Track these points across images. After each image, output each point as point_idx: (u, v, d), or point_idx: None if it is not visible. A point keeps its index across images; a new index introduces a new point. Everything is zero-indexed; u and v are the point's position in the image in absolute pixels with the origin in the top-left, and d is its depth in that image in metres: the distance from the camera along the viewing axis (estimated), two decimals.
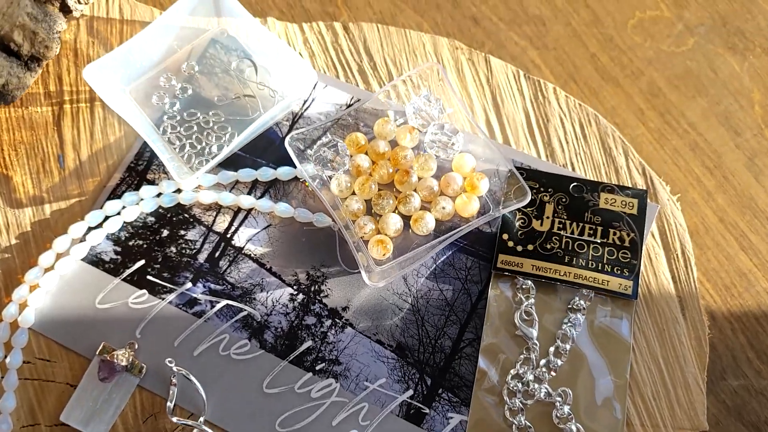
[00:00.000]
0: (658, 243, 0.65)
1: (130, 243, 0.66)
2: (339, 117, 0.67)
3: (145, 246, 0.66)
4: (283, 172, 0.67)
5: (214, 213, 0.67)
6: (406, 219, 0.64)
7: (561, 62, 0.81)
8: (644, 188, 0.66)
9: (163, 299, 0.64)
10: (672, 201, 0.66)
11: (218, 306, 0.64)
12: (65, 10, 0.69)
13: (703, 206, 0.77)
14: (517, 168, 0.67)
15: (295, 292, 0.64)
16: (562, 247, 0.64)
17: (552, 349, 0.61)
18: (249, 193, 0.67)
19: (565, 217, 0.65)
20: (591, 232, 0.64)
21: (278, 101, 0.69)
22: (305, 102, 0.71)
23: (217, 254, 0.66)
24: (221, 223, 0.67)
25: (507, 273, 0.63)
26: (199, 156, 0.68)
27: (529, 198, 0.62)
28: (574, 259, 0.63)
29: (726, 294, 0.76)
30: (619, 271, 0.63)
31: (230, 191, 0.68)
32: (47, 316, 0.63)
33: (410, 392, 0.61)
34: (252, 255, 0.66)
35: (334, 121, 0.67)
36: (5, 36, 0.65)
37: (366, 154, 0.67)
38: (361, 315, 0.63)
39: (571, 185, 0.66)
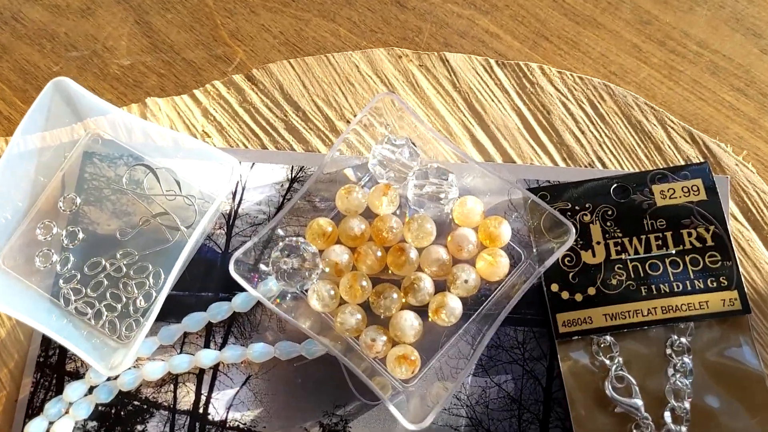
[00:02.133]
0: (745, 225, 0.49)
1: None
2: (286, 209, 0.49)
3: None
4: (241, 302, 0.50)
5: (172, 386, 0.50)
6: (421, 310, 0.47)
7: (521, 20, 0.64)
8: (701, 160, 0.50)
9: None
10: (741, 164, 0.50)
11: None
12: None
13: (750, 138, 0.61)
14: (535, 189, 0.50)
15: None
16: (632, 276, 0.48)
17: (668, 414, 0.46)
18: (207, 345, 0.50)
19: (621, 235, 0.49)
20: (659, 243, 0.48)
21: (199, 209, 0.51)
22: (235, 195, 0.53)
23: None
24: (185, 398, 0.49)
25: (575, 338, 0.47)
26: (125, 318, 0.49)
27: (572, 235, 0.45)
28: (653, 287, 0.47)
29: None
30: (714, 284, 0.47)
31: (181, 352, 0.50)
32: None
33: None
34: (240, 425, 0.48)
35: (279, 219, 0.49)
36: None
37: (339, 242, 0.49)
38: None
39: (612, 188, 0.49)
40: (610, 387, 0.46)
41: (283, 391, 0.49)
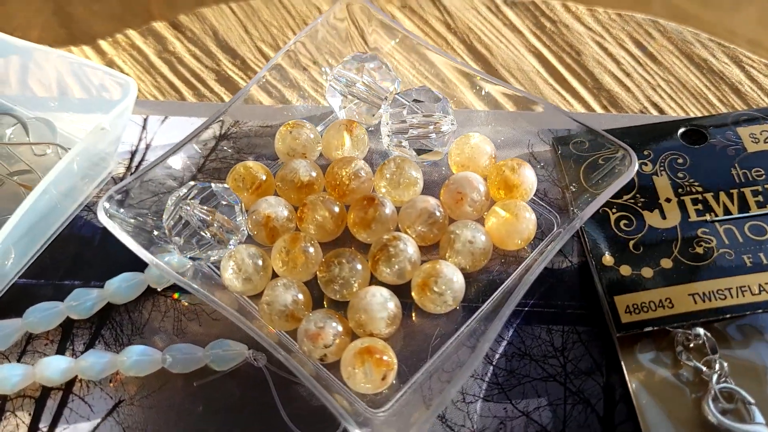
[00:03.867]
0: None
1: None
2: (195, 133, 0.33)
3: None
4: (121, 288, 0.32)
5: None
6: (399, 291, 0.30)
7: None
8: None
9: None
10: None
11: None
12: None
13: None
14: (562, 138, 0.35)
15: None
16: (726, 243, 0.31)
17: None
18: (61, 352, 0.31)
19: (701, 190, 0.32)
20: (760, 198, 0.32)
21: (83, 174, 0.35)
22: (134, 156, 0.37)
23: None
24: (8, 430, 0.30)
25: (648, 329, 0.29)
26: None
27: (635, 163, 0.29)
28: (762, 256, 0.30)
29: None
30: None
31: (20, 360, 0.31)
32: None
33: None
34: None
35: (187, 140, 0.33)
36: None
37: (275, 195, 0.33)
38: None
39: (679, 132, 0.34)
40: (713, 410, 0.28)
41: (172, 425, 0.30)
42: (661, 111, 0.36)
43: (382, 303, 0.29)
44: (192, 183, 0.31)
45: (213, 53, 0.40)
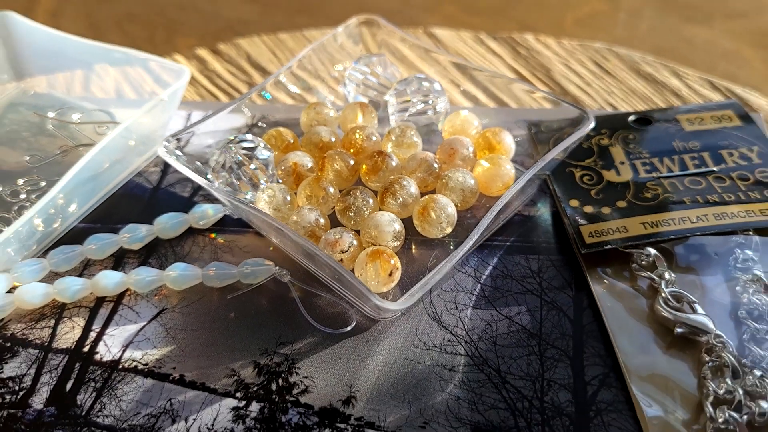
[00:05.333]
0: None
1: None
2: (238, 100, 0.40)
3: None
4: (168, 223, 0.38)
5: (53, 321, 0.35)
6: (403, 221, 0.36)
7: None
8: (731, 100, 0.44)
9: None
10: None
11: None
12: None
13: None
14: (535, 123, 0.42)
15: (242, 403, 0.32)
16: (669, 190, 0.38)
17: (747, 336, 0.32)
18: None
19: (648, 155, 0.40)
20: (697, 162, 0.39)
21: (137, 151, 0.42)
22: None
23: (68, 385, 0.33)
24: (68, 335, 0.35)
25: (607, 247, 0.35)
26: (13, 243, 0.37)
27: (591, 121, 0.37)
28: (698, 197, 0.37)
29: None
30: None
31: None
32: None
33: None
34: (139, 366, 0.33)
35: (233, 106, 0.40)
36: None
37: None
38: (383, 402, 0.32)
39: (630, 119, 0.42)
40: (664, 306, 0.33)
41: (208, 328, 0.35)
42: (615, 110, 0.44)
43: (389, 221, 0.35)
44: (237, 134, 0.38)
45: (246, 70, 0.48)
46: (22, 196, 0.40)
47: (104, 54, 0.44)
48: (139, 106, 0.44)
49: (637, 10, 0.67)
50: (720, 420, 0.30)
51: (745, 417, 0.30)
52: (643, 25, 0.66)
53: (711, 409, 0.30)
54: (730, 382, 0.31)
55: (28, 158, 0.42)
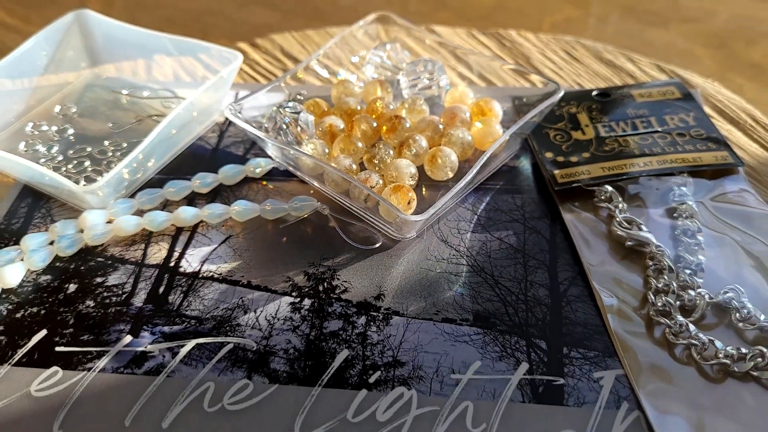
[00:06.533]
0: (723, 122, 0.51)
1: (17, 316, 0.41)
2: (285, 75, 0.50)
3: (43, 312, 0.42)
4: (230, 172, 0.48)
5: (143, 245, 0.45)
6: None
7: None
8: (674, 79, 0.54)
9: (90, 369, 0.39)
10: (708, 82, 0.54)
11: (185, 350, 0.39)
12: None
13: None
14: (518, 97, 0.53)
15: (297, 300, 0.42)
16: (622, 144, 0.48)
17: (681, 248, 0.43)
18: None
19: (607, 120, 0.50)
20: (645, 124, 0.50)
21: (199, 121, 0.52)
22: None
23: (161, 290, 0.43)
24: (156, 254, 0.45)
25: (575, 185, 0.46)
26: None
27: (561, 90, 0.47)
28: (645, 149, 0.48)
29: None
30: (704, 147, 0.48)
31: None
32: None
33: (525, 366, 0.38)
34: (215, 275, 0.43)
35: (286, 76, 0.50)
36: None
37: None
38: (405, 297, 0.42)
39: (592, 94, 0.52)
40: (618, 226, 0.44)
41: (266, 249, 0.45)
42: (582, 87, 0.55)
43: (407, 165, 0.45)
44: (285, 102, 0.48)
45: (280, 59, 0.59)
46: (109, 154, 0.50)
47: (168, 43, 0.54)
48: (193, 88, 0.54)
49: (605, 16, 0.78)
50: (659, 304, 0.40)
51: (678, 303, 0.40)
52: (609, 29, 0.77)
53: (653, 297, 0.40)
54: (667, 278, 0.41)
55: (111, 125, 0.52)
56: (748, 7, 0.81)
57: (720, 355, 0.37)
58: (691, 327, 0.39)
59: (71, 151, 0.50)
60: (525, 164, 0.49)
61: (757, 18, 0.79)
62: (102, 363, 0.39)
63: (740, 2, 0.82)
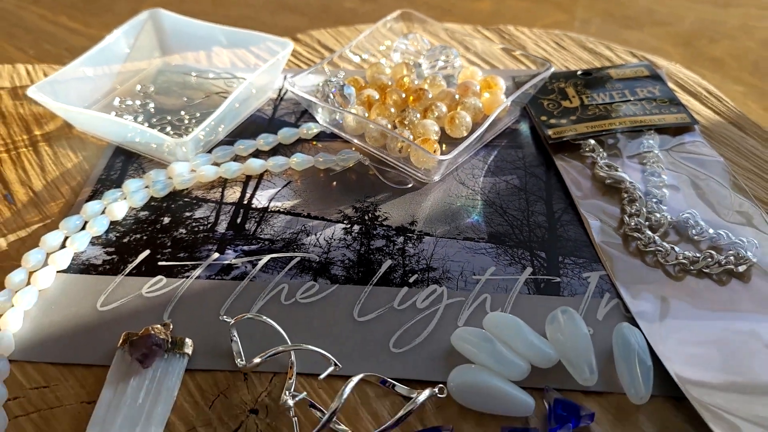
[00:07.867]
0: (683, 93, 0.63)
1: (124, 240, 0.52)
2: (330, 57, 0.62)
3: (145, 238, 0.52)
4: (287, 133, 0.59)
5: (220, 189, 0.56)
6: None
7: None
8: (644, 62, 0.66)
9: (188, 277, 0.49)
10: (672, 64, 0.66)
11: (262, 261, 0.50)
12: None
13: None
14: (517, 76, 0.64)
15: (348, 226, 0.53)
16: (602, 110, 0.60)
17: (649, 185, 0.54)
18: None
19: (589, 92, 0.62)
20: (620, 96, 0.61)
21: (256, 96, 0.63)
22: (280, 90, 0.65)
23: (238, 220, 0.54)
24: (232, 196, 0.56)
25: (564, 139, 0.57)
26: None
27: (551, 67, 0.59)
28: (621, 113, 0.59)
29: None
30: (666, 111, 0.59)
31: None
32: (31, 339, 0.46)
33: (529, 269, 0.49)
34: (281, 209, 0.54)
35: (334, 56, 0.62)
36: None
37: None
38: (433, 223, 0.53)
39: (578, 73, 0.64)
40: (600, 168, 0.55)
41: (320, 191, 0.56)
42: (568, 69, 0.67)
43: (431, 123, 0.57)
44: (331, 77, 0.59)
45: (318, 50, 0.70)
46: (186, 122, 0.61)
47: (226, 34, 0.65)
48: (247, 72, 0.66)
49: (588, 20, 0.91)
50: (632, 224, 0.51)
51: (647, 223, 0.52)
52: (591, 30, 0.89)
53: (627, 219, 0.52)
54: (638, 205, 0.52)
55: (185, 99, 0.63)
56: (711, 13, 0.94)
57: (680, 257, 0.49)
58: (657, 239, 0.50)
59: (154, 119, 0.61)
60: (524, 127, 0.61)
61: (719, 21, 0.92)
62: (197, 272, 0.50)
63: (705, 8, 0.95)
